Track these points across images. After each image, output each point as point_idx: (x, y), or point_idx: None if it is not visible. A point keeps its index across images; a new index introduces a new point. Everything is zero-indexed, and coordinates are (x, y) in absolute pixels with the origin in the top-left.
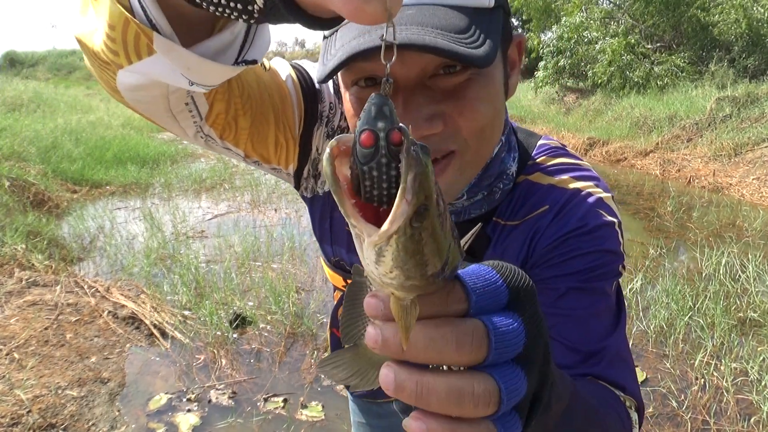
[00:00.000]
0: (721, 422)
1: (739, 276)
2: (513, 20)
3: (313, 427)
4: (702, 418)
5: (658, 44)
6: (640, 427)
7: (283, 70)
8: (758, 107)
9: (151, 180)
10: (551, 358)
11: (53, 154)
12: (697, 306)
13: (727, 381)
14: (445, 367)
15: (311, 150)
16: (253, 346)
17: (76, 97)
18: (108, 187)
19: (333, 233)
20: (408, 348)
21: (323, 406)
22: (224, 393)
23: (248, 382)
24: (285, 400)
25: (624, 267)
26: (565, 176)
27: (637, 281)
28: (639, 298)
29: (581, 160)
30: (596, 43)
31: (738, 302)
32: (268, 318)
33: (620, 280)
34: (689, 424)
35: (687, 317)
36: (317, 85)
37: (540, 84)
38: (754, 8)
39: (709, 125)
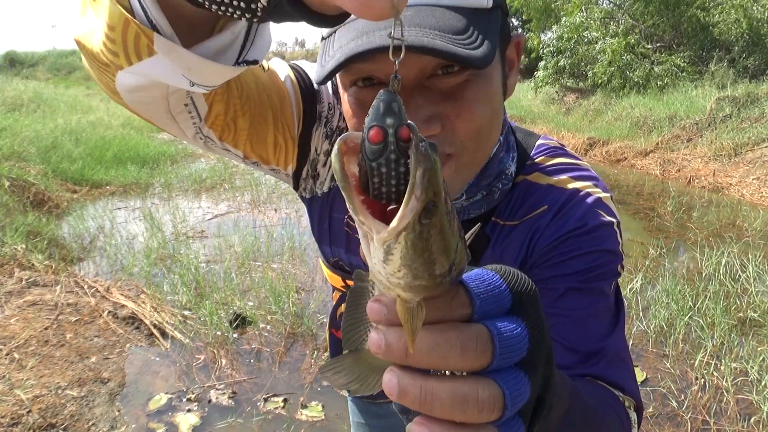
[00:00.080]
0: (721, 422)
1: (739, 276)
2: (513, 20)
3: (313, 427)
4: (702, 418)
5: (658, 44)
6: (639, 427)
7: (282, 70)
8: (758, 107)
9: (151, 180)
10: (554, 361)
11: (53, 154)
12: (697, 306)
13: (727, 381)
14: (447, 371)
15: (310, 151)
16: (253, 346)
17: (76, 97)
18: (108, 187)
19: (332, 234)
20: (412, 353)
21: (323, 406)
22: (224, 393)
23: (248, 382)
24: (285, 400)
25: (623, 267)
26: (563, 176)
27: (637, 281)
28: (639, 298)
29: (580, 159)
30: (596, 43)
31: (738, 302)
32: (268, 318)
33: (620, 280)
34: (689, 424)
35: (687, 317)
36: (316, 86)
37: (540, 84)
38: (754, 8)
39: (709, 125)
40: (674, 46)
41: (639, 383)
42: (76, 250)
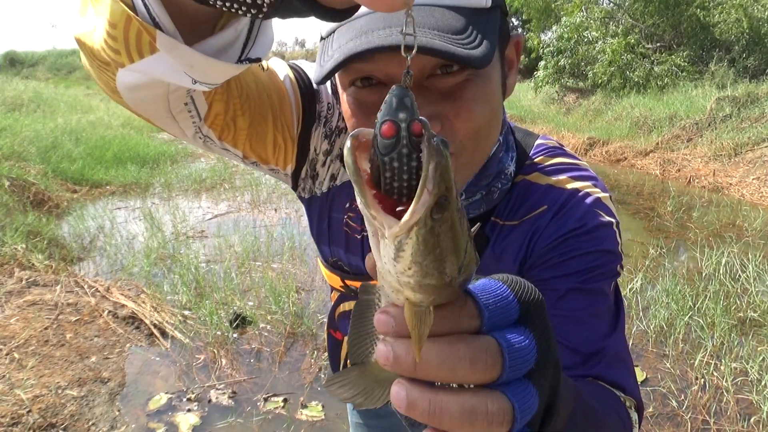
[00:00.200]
0: (721, 422)
1: (739, 276)
2: (513, 20)
3: (313, 427)
4: (702, 418)
5: (658, 44)
6: (639, 426)
7: (281, 70)
8: (758, 107)
9: (151, 180)
10: (561, 369)
11: (53, 154)
12: (697, 306)
13: (727, 381)
14: (454, 383)
15: (309, 150)
16: (253, 346)
17: (76, 97)
18: (108, 187)
19: (331, 233)
20: (421, 366)
21: (323, 406)
22: (224, 393)
23: (248, 382)
24: (285, 400)
25: (622, 267)
26: (563, 176)
27: (637, 281)
28: (639, 298)
29: (579, 159)
30: (596, 42)
31: (738, 302)
32: (268, 318)
33: (620, 280)
34: (689, 424)
35: (687, 317)
36: (315, 86)
37: (540, 84)
38: (754, 8)
39: (709, 125)
40: (674, 46)
41: (639, 383)
42: (76, 250)
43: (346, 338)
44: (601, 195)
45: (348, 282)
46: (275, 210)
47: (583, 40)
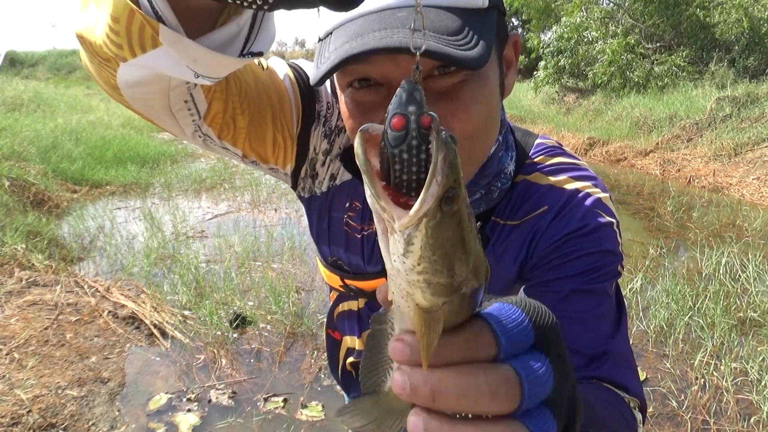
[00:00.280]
0: (721, 422)
1: (739, 276)
2: (513, 20)
3: (313, 427)
4: (702, 418)
5: (658, 44)
6: (643, 425)
7: (281, 69)
8: (758, 107)
9: (151, 180)
10: (577, 393)
11: (53, 154)
12: (697, 306)
13: (727, 381)
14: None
15: (309, 150)
16: (253, 346)
17: (76, 97)
18: (108, 187)
19: (331, 233)
20: (439, 397)
21: (323, 406)
22: (224, 393)
23: (248, 382)
24: (285, 400)
25: (623, 267)
26: (563, 176)
27: (637, 281)
28: (639, 298)
29: (578, 159)
30: (596, 42)
31: (738, 302)
32: (268, 318)
33: (620, 280)
34: (689, 424)
35: (687, 317)
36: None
37: (540, 84)
38: (754, 8)
39: (709, 125)
40: (674, 46)
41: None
42: (76, 250)
43: (344, 338)
44: (602, 195)
45: (347, 281)
46: (275, 210)
47: (583, 40)
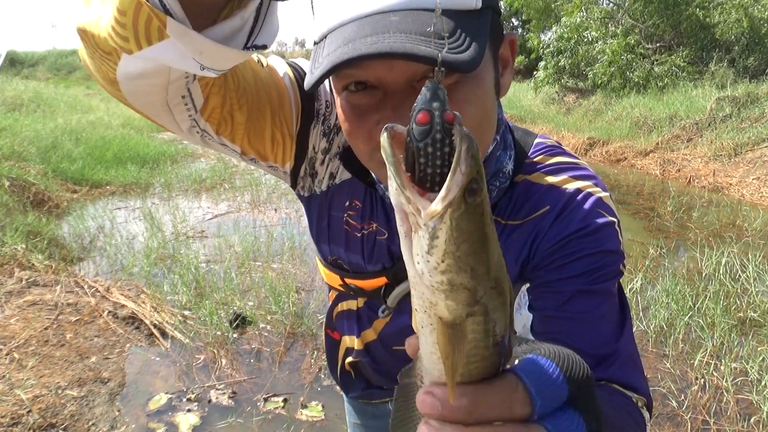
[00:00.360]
0: (721, 422)
1: (739, 276)
2: (513, 20)
3: (313, 427)
4: (702, 418)
5: (658, 44)
6: (650, 422)
7: (281, 68)
8: (758, 107)
9: (151, 180)
10: None
11: (53, 154)
12: (697, 306)
13: (727, 381)
14: None
15: (308, 148)
16: (253, 346)
17: (76, 97)
18: (108, 187)
19: (331, 232)
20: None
21: (323, 406)
22: (224, 393)
23: (248, 382)
24: (285, 400)
25: (624, 266)
26: (564, 175)
27: (637, 281)
28: (639, 298)
29: (578, 158)
30: (596, 43)
31: (738, 302)
32: (268, 318)
33: (620, 279)
34: (689, 424)
35: (687, 317)
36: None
37: (540, 84)
38: (754, 8)
39: (709, 125)
40: (674, 46)
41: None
42: (76, 250)
43: (343, 338)
44: (602, 194)
45: (347, 280)
46: (275, 210)
47: (583, 40)
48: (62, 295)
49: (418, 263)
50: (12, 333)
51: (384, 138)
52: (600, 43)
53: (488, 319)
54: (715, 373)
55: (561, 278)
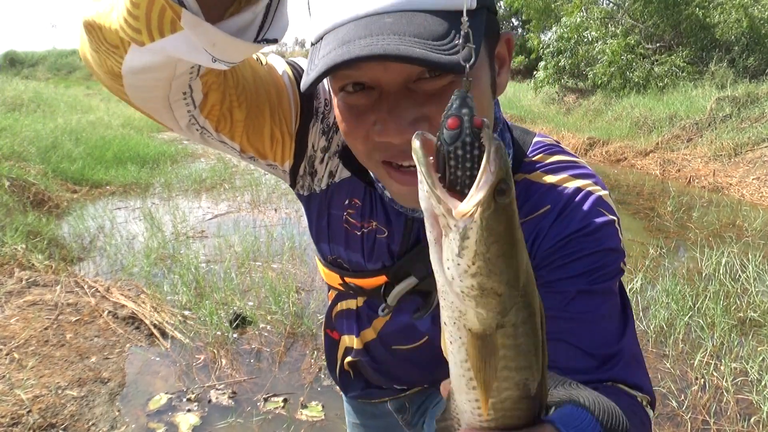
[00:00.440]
0: (721, 422)
1: (739, 276)
2: (513, 20)
3: (313, 427)
4: (702, 418)
5: (658, 44)
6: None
7: (280, 66)
8: (758, 107)
9: (151, 180)
10: None
11: (53, 154)
12: (697, 306)
13: (727, 381)
14: None
15: (307, 147)
16: (253, 346)
17: (76, 97)
18: (108, 187)
19: (330, 231)
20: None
21: (323, 406)
22: (224, 393)
23: (248, 382)
24: (285, 400)
25: (625, 264)
26: (563, 174)
27: (637, 281)
28: (639, 298)
29: (577, 157)
30: (596, 43)
31: (738, 302)
32: (268, 318)
33: (621, 278)
34: (689, 424)
35: (687, 317)
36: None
37: (540, 84)
38: (754, 8)
39: (709, 125)
40: (674, 46)
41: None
42: (76, 250)
43: (342, 338)
44: (602, 193)
45: (347, 279)
46: (275, 210)
47: (583, 40)
48: (62, 295)
49: (448, 269)
50: (12, 333)
51: (416, 143)
52: (600, 43)
53: (518, 332)
54: (715, 373)
55: (562, 278)
